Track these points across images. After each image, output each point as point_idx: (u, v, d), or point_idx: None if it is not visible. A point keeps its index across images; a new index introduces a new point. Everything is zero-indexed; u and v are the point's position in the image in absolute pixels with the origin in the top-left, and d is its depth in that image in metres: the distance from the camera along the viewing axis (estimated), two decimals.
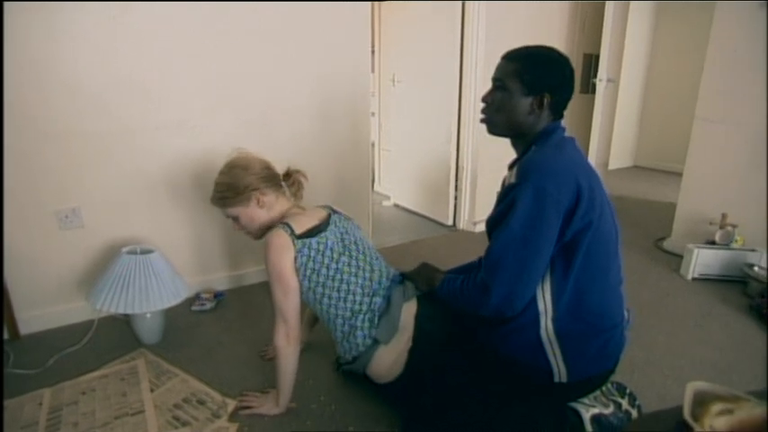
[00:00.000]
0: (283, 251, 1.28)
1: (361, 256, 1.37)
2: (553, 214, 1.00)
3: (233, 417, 1.36)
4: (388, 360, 1.27)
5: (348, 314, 1.30)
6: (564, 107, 1.14)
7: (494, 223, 1.10)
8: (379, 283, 1.35)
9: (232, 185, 1.39)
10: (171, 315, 1.81)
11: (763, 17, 2.19)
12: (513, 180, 1.05)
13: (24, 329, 1.79)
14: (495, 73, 1.14)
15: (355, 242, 1.40)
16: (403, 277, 1.42)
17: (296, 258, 1.29)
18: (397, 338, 1.27)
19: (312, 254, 1.30)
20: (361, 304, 1.31)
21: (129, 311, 1.59)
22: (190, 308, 1.99)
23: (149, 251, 1.72)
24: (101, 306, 1.58)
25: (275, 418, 1.36)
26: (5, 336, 1.75)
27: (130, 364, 1.61)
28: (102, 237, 1.89)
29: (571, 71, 1.13)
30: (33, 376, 1.54)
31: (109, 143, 1.82)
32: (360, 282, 1.33)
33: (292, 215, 1.40)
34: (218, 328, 1.86)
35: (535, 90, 1.09)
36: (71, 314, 1.88)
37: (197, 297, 2.06)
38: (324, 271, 1.30)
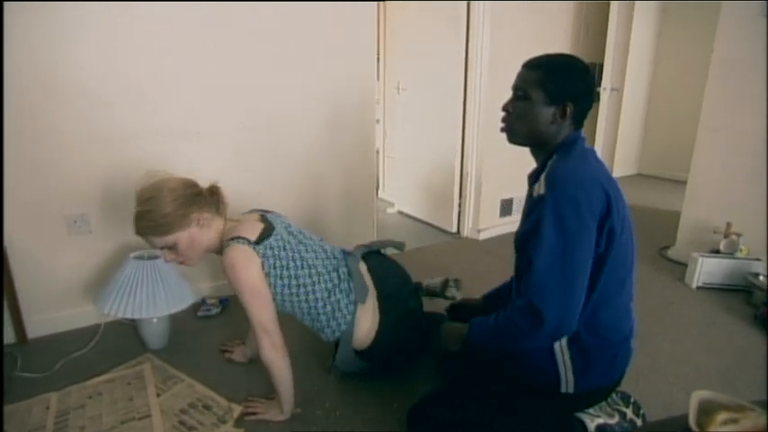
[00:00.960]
0: (250, 263, 1.27)
1: (310, 241, 1.44)
2: (591, 222, 0.97)
3: (238, 422, 1.37)
4: (367, 320, 1.39)
5: (326, 294, 1.36)
6: (585, 116, 1.12)
7: (526, 238, 1.05)
8: (335, 257, 1.46)
9: (166, 210, 1.25)
10: (177, 320, 1.82)
11: (765, 26, 2.21)
12: (542, 191, 1.01)
13: (32, 333, 1.80)
14: (517, 81, 1.11)
15: (299, 231, 1.46)
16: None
17: (263, 264, 1.29)
18: (369, 296, 1.41)
19: (276, 252, 1.32)
20: (332, 280, 1.39)
21: (136, 316, 1.61)
22: (195, 313, 2.00)
23: (156, 257, 1.73)
24: (108, 311, 1.59)
25: (280, 423, 1.37)
26: (13, 340, 1.77)
27: (137, 368, 1.62)
28: (110, 242, 1.91)
29: (592, 80, 1.11)
30: (41, 380, 1.55)
31: (117, 149, 1.85)
32: (323, 262, 1.40)
33: (233, 228, 1.34)
34: (224, 334, 1.87)
35: (558, 99, 1.06)
36: (78, 318, 1.89)
37: (202, 303, 2.07)
38: (292, 264, 1.33)
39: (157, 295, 1.64)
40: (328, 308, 1.36)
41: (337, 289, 1.38)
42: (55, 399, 1.44)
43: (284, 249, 1.34)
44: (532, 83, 1.07)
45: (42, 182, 1.73)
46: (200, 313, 2.01)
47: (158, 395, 1.47)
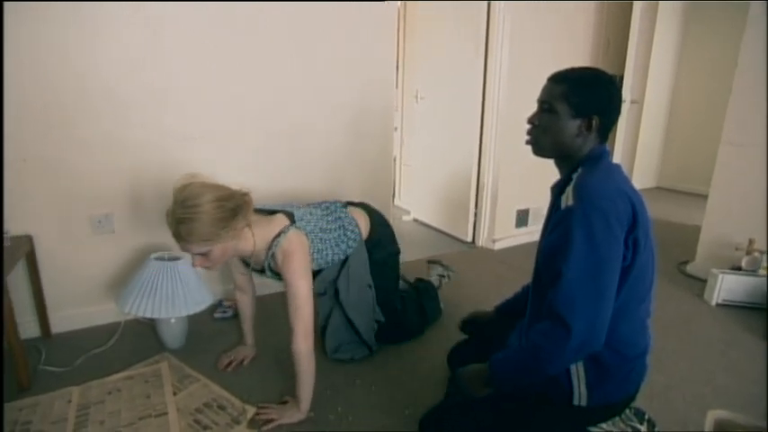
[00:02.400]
0: (304, 250, 1.43)
1: (325, 208, 1.65)
2: (620, 234, 0.97)
3: (252, 423, 1.39)
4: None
5: (356, 239, 1.66)
6: (610, 129, 1.12)
7: (552, 251, 1.03)
8: (344, 208, 1.72)
9: (207, 223, 1.25)
10: (194, 321, 1.86)
11: None
12: (570, 203, 1.00)
13: (56, 328, 1.86)
14: (542, 95, 1.12)
15: (310, 205, 1.67)
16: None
17: (310, 248, 1.47)
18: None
19: (310, 226, 1.51)
20: (353, 227, 1.65)
21: (155, 316, 1.64)
22: (212, 315, 2.04)
23: (176, 258, 1.77)
24: (129, 309, 1.63)
25: (294, 426, 1.38)
26: (38, 334, 1.83)
27: (154, 367, 1.65)
28: (132, 242, 1.96)
29: (618, 92, 1.11)
30: (63, 374, 1.60)
31: (141, 152, 1.90)
32: (346, 219, 1.65)
33: (264, 230, 1.42)
34: (239, 336, 1.89)
35: (583, 112, 1.06)
36: (99, 316, 1.94)
37: (219, 304, 2.11)
38: (326, 228, 1.56)
39: (176, 296, 1.67)
40: (356, 245, 1.65)
41: (357, 230, 1.66)
42: (77, 393, 1.48)
43: (314, 225, 1.52)
44: (558, 96, 1.07)
45: (69, 182, 1.80)
46: (216, 315, 2.04)
47: (175, 393, 1.51)
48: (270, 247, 1.41)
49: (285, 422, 1.38)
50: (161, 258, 1.77)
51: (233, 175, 2.08)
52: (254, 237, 1.39)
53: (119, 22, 1.76)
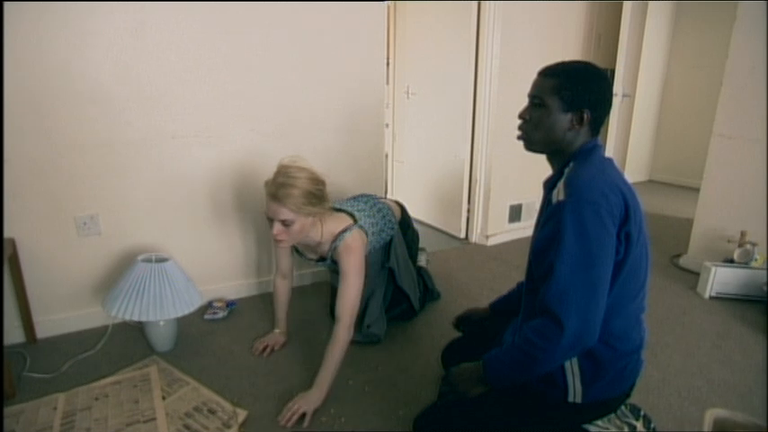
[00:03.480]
0: (363, 248, 1.61)
1: (365, 201, 1.85)
2: (612, 228, 0.96)
3: (243, 426, 1.37)
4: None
5: (394, 224, 1.88)
6: (602, 123, 1.11)
7: (545, 245, 1.02)
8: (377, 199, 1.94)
9: (317, 197, 1.48)
10: (184, 323, 1.83)
11: None
12: (561, 197, 0.99)
13: (41, 333, 1.82)
14: (532, 89, 1.10)
15: (349, 199, 1.89)
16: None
17: (367, 244, 1.66)
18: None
19: (367, 226, 1.70)
20: (391, 215, 1.87)
21: (143, 319, 1.61)
22: (202, 316, 2.00)
23: (164, 259, 1.74)
24: (116, 313, 1.60)
25: (285, 429, 1.36)
26: (23, 339, 1.79)
27: (143, 371, 1.62)
28: (119, 244, 1.92)
29: (609, 86, 1.10)
30: (48, 380, 1.56)
31: (127, 152, 1.86)
32: (384, 209, 1.86)
33: (333, 224, 1.62)
34: (230, 338, 1.87)
35: (575, 106, 1.05)
36: (86, 319, 1.91)
37: (209, 306, 2.07)
38: (374, 220, 1.76)
39: (164, 298, 1.64)
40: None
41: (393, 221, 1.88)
42: (62, 399, 1.45)
43: (366, 219, 1.71)
44: (548, 90, 1.06)
45: (52, 183, 1.75)
46: (206, 316, 2.01)
47: (164, 398, 1.48)
48: (335, 240, 1.60)
49: (313, 408, 1.42)
50: (148, 260, 1.73)
51: (223, 174, 2.07)
52: (323, 229, 1.58)
53: (106, 19, 1.72)
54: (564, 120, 1.06)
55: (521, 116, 1.13)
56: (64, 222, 1.80)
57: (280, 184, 1.43)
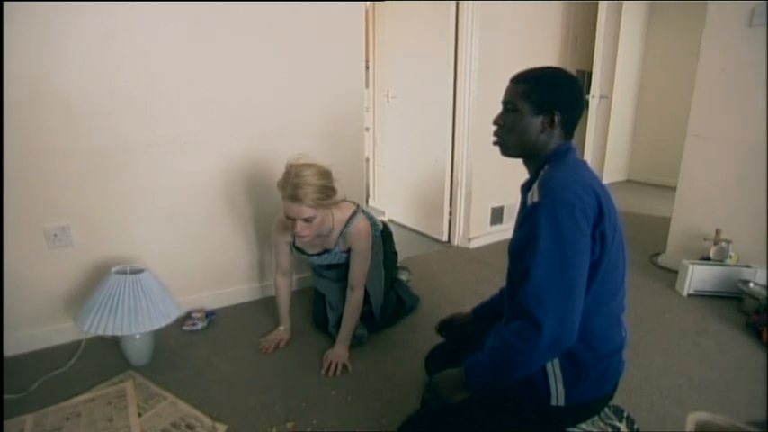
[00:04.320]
0: (371, 231, 1.80)
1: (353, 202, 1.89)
2: (585, 226, 0.97)
3: None
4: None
5: (380, 228, 1.97)
6: (574, 126, 1.14)
7: (521, 247, 1.03)
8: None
9: (330, 189, 1.61)
10: (161, 335, 1.77)
11: (750, 38, 2.23)
12: (535, 199, 1.01)
13: (9, 351, 1.74)
14: (505, 96, 1.15)
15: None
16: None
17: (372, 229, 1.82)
18: None
19: (369, 215, 1.86)
20: (377, 220, 1.95)
21: (117, 333, 1.56)
22: (181, 328, 1.95)
23: (140, 270, 1.69)
24: (88, 328, 1.54)
25: None
26: None
27: (118, 386, 1.57)
28: (92, 255, 1.86)
29: (579, 89, 1.13)
30: (16, 401, 1.49)
31: (100, 160, 1.80)
32: (371, 212, 1.97)
33: (343, 205, 1.76)
34: (209, 349, 1.83)
35: (545, 109, 1.09)
36: (58, 335, 1.84)
37: (188, 316, 2.02)
38: (372, 218, 1.89)
39: (140, 311, 1.59)
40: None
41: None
42: (30, 421, 1.38)
43: (368, 212, 1.88)
44: (519, 95, 1.10)
45: (19, 193, 1.68)
46: (185, 327, 1.96)
47: (140, 414, 1.42)
48: (345, 225, 1.74)
49: (345, 360, 1.68)
50: (123, 271, 1.68)
51: (201, 182, 2.02)
52: (334, 217, 1.72)
53: (75, 23, 1.66)
54: (536, 122, 1.09)
55: (495, 122, 1.17)
56: (32, 234, 1.74)
57: (295, 185, 1.53)
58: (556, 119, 1.08)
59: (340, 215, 1.74)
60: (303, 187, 1.53)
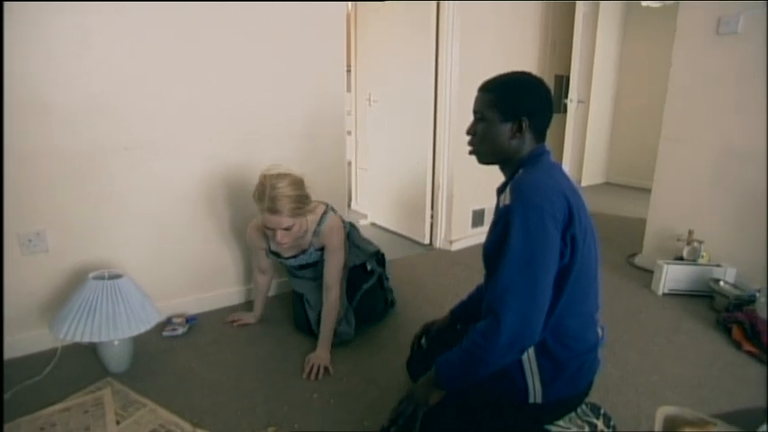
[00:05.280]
0: (344, 227, 1.87)
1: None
2: (553, 229, 0.99)
3: None
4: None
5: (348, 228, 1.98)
6: (545, 129, 1.16)
7: (492, 248, 1.06)
8: None
9: (305, 197, 1.66)
10: (140, 342, 1.75)
11: (718, 45, 2.31)
12: (507, 201, 1.04)
13: None
14: (474, 105, 1.17)
15: None
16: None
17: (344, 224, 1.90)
18: None
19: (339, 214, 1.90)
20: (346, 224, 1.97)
21: (95, 340, 1.53)
22: (161, 333, 1.92)
23: (118, 276, 1.66)
24: (64, 335, 1.51)
25: None
26: None
27: (96, 394, 1.54)
28: (69, 261, 1.82)
29: (546, 92, 1.15)
30: None
31: (76, 163, 1.77)
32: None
33: (318, 205, 1.80)
34: (190, 355, 1.81)
35: (512, 116, 1.11)
36: (32, 343, 1.79)
37: (168, 322, 2.00)
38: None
39: (118, 316, 1.57)
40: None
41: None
42: None
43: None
44: (487, 104, 1.14)
45: None
46: (165, 333, 1.93)
47: (118, 423, 1.40)
48: (318, 224, 1.79)
49: (327, 363, 1.69)
50: (100, 277, 1.65)
51: (180, 186, 2.00)
52: (307, 219, 1.74)
53: (49, 24, 1.63)
54: (504, 129, 1.13)
55: (468, 132, 1.20)
56: (6, 240, 1.69)
57: (272, 198, 1.57)
58: (524, 125, 1.11)
59: (312, 216, 1.79)
60: (280, 199, 1.58)
